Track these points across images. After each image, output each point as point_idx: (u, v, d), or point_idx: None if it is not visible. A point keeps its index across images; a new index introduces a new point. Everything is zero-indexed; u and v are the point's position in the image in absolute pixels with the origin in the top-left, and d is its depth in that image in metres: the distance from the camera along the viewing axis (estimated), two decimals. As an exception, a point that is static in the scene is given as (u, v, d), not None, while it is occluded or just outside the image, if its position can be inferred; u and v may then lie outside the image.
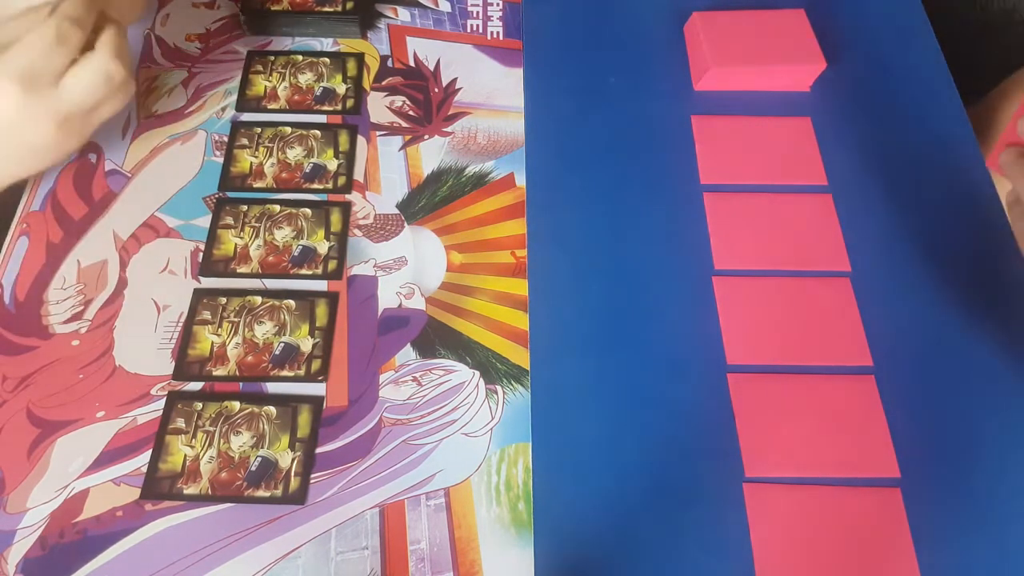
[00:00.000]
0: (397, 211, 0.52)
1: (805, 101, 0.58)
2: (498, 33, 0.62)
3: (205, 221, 0.51)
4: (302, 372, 0.46)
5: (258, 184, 0.53)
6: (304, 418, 0.44)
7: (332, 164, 0.54)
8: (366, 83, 0.58)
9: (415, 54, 0.60)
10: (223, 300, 0.48)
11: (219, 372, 0.45)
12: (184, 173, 0.53)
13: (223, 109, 0.56)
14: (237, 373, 0.45)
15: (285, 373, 0.45)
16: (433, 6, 0.63)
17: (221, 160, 0.54)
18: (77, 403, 0.44)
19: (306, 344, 0.46)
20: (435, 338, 0.47)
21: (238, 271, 0.49)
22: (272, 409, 0.44)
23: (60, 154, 0.44)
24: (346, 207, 0.52)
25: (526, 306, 0.49)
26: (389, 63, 0.60)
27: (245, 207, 0.52)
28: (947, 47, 0.61)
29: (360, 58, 0.59)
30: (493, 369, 0.46)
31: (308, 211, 0.52)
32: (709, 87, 0.58)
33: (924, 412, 0.45)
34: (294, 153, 0.54)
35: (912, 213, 0.53)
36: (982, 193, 0.53)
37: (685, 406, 0.45)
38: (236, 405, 0.44)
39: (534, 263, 0.50)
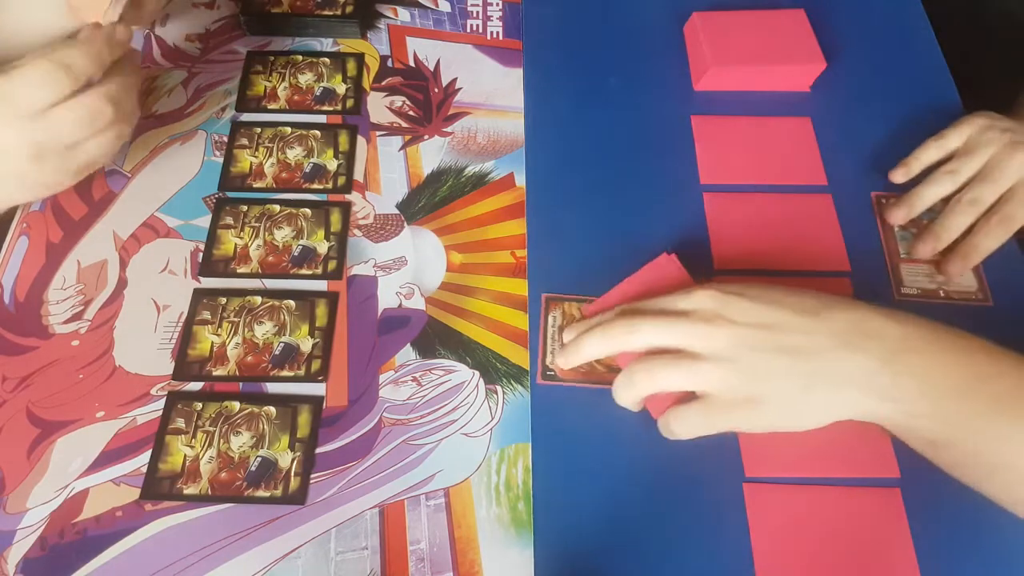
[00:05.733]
0: (397, 211, 0.52)
1: (805, 101, 0.58)
2: (498, 33, 0.62)
3: (205, 221, 0.51)
4: (302, 372, 0.46)
5: (258, 184, 0.53)
6: (304, 418, 0.44)
7: (332, 164, 0.54)
8: (366, 83, 0.58)
9: (415, 54, 0.60)
10: (223, 300, 0.48)
11: (219, 372, 0.45)
12: (184, 173, 0.53)
13: (223, 109, 0.56)
14: (237, 373, 0.45)
15: (285, 373, 0.45)
16: (433, 6, 0.63)
17: (221, 160, 0.54)
18: (77, 403, 0.44)
19: (306, 344, 0.46)
20: (435, 338, 0.47)
21: (238, 271, 0.49)
22: (272, 409, 0.44)
23: (39, 188, 0.43)
24: (346, 207, 0.52)
25: (526, 306, 0.49)
26: (389, 63, 0.60)
27: (245, 207, 0.52)
28: (947, 47, 0.61)
29: (360, 58, 0.59)
30: (493, 369, 0.46)
31: (308, 211, 0.52)
32: (709, 87, 0.58)
33: (924, 412, 0.45)
34: (294, 153, 0.54)
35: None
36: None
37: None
38: (236, 405, 0.44)
39: (534, 263, 0.50)
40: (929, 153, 0.51)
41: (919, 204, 0.50)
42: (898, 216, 0.51)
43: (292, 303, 0.48)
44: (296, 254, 0.50)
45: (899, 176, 0.52)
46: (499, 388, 0.46)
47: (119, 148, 0.45)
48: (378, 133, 0.56)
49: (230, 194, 0.52)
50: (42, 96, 0.40)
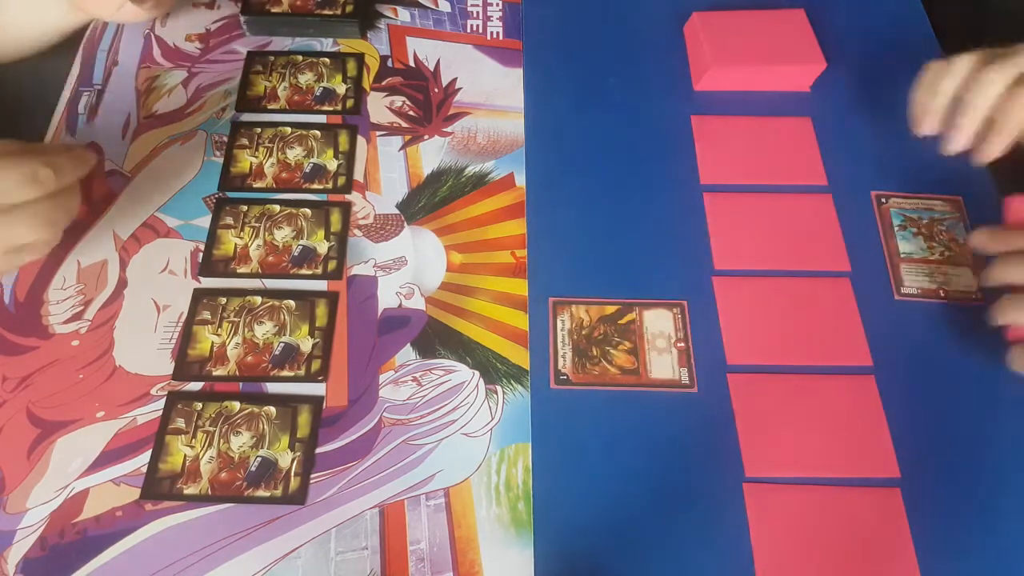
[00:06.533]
0: (397, 211, 0.52)
1: (805, 101, 0.58)
2: (498, 33, 0.62)
3: (205, 221, 0.51)
4: (302, 372, 0.46)
5: (258, 184, 0.53)
6: (304, 418, 0.44)
7: (332, 164, 0.54)
8: (366, 83, 0.58)
9: (415, 54, 0.60)
10: (223, 300, 0.48)
11: (219, 372, 0.45)
12: (184, 173, 0.53)
13: (223, 109, 0.56)
14: (237, 373, 0.45)
15: (285, 373, 0.45)
16: (433, 6, 0.63)
17: (221, 160, 0.54)
18: (77, 403, 0.44)
19: (306, 344, 0.46)
20: (435, 338, 0.47)
21: (238, 271, 0.49)
22: (272, 409, 0.44)
23: None
24: (346, 207, 0.52)
25: (526, 306, 0.49)
26: (389, 63, 0.60)
27: (245, 207, 0.52)
28: (947, 47, 0.61)
29: (360, 58, 0.59)
30: (493, 369, 0.46)
31: (308, 211, 0.52)
32: (709, 87, 0.58)
33: (924, 412, 0.45)
34: (294, 153, 0.54)
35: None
36: (981, 192, 0.53)
37: (685, 406, 0.45)
38: (236, 405, 0.44)
39: (534, 263, 0.50)
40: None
41: (940, 96, 0.47)
42: (926, 124, 0.49)
43: (292, 303, 0.48)
44: (296, 254, 0.50)
45: (926, 127, 0.50)
46: (499, 388, 0.46)
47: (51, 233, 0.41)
48: (378, 133, 0.56)
49: (230, 194, 0.52)
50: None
